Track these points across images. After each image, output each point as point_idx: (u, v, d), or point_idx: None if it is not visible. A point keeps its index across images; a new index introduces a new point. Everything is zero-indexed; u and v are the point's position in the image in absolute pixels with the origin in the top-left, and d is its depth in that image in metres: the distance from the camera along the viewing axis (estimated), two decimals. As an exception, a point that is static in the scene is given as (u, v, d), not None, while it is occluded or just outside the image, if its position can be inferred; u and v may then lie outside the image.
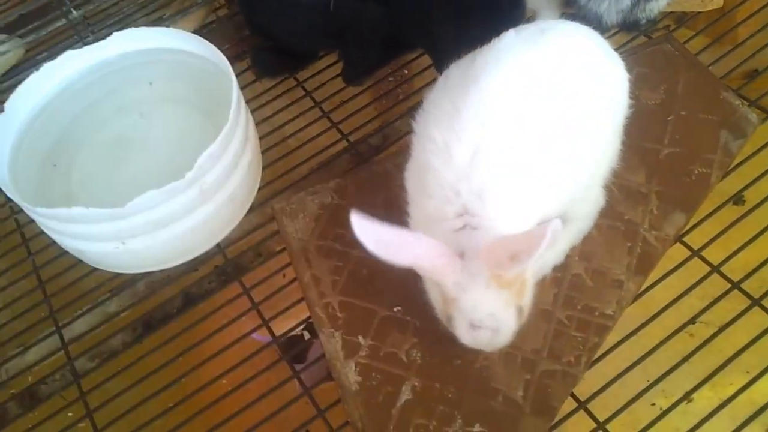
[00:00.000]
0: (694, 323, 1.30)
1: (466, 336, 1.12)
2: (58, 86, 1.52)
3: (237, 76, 1.40)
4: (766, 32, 1.67)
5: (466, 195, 1.08)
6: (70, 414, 1.39)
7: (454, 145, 1.08)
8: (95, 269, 1.50)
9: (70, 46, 1.52)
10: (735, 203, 1.44)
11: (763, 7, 1.73)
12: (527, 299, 1.12)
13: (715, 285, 1.34)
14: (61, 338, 1.48)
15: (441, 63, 1.56)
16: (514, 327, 1.10)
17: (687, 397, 1.24)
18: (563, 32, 1.15)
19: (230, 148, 1.36)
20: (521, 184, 1.09)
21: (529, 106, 1.09)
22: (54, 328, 1.49)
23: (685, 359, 1.27)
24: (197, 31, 1.54)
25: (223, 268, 1.56)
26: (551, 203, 1.15)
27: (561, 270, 1.34)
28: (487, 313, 1.08)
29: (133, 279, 1.53)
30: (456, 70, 1.17)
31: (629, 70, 1.23)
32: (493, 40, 1.17)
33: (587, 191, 1.26)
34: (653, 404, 1.58)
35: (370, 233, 1.02)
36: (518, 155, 1.09)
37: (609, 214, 1.37)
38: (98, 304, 1.53)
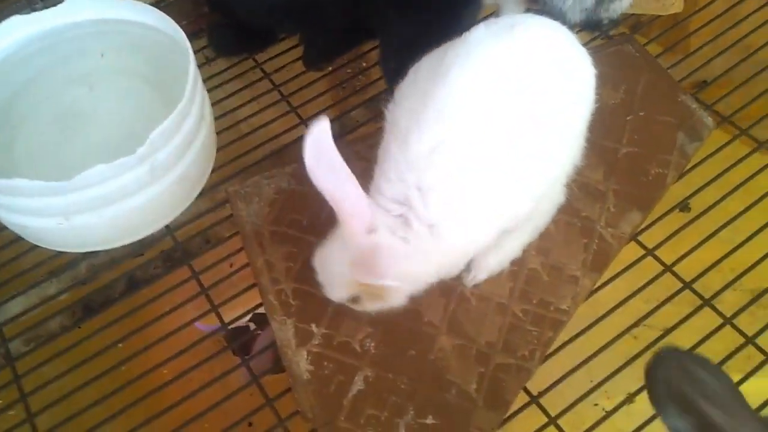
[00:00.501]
0: (638, 326, 1.31)
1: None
2: (1, 53, 1.43)
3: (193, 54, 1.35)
4: (716, 44, 1.70)
5: (412, 188, 1.06)
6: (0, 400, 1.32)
7: (413, 137, 1.06)
8: (35, 247, 1.42)
9: (18, 12, 1.44)
10: (681, 210, 1.46)
11: (715, 19, 1.76)
12: (372, 303, 1.13)
13: (664, 287, 1.35)
14: (-5, 319, 1.40)
15: (388, 51, 1.55)
16: (342, 299, 1.12)
17: (630, 399, 1.25)
18: (533, 27, 1.14)
19: (184, 125, 1.31)
20: (479, 187, 1.07)
21: (497, 102, 1.07)
22: (-12, 308, 1.41)
23: (628, 363, 1.27)
24: (154, 5, 1.47)
25: (169, 253, 1.50)
26: (520, 202, 1.13)
27: (517, 264, 1.34)
28: (336, 274, 1.10)
29: (74, 260, 1.46)
30: (426, 62, 1.15)
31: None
32: (451, 33, 1.16)
33: (551, 188, 1.25)
34: (596, 404, 1.59)
35: (322, 146, 1.00)
36: (483, 153, 1.06)
37: (567, 211, 1.37)
38: (36, 285, 1.45)
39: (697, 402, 0.81)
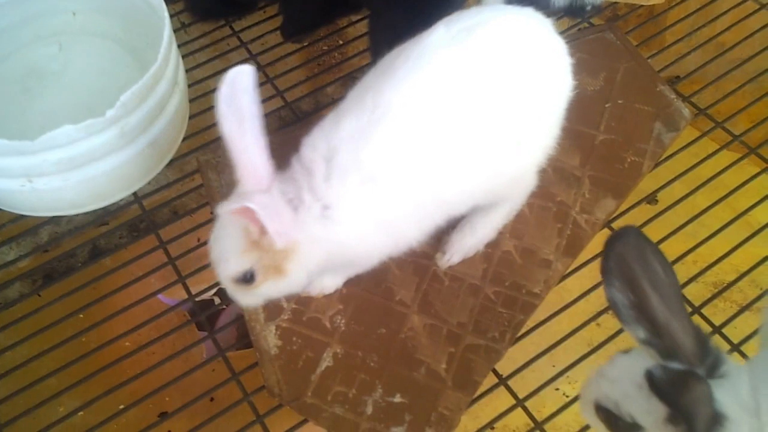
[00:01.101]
0: (603, 314, 1.31)
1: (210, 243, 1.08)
2: (-34, 5, 1.38)
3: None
4: (690, 39, 1.72)
5: (319, 158, 1.04)
6: (-49, 368, 1.27)
7: (346, 119, 1.05)
8: (-5, 210, 1.37)
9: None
10: (648, 203, 1.47)
11: (690, 15, 1.78)
12: (270, 285, 1.07)
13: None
14: (-49, 282, 1.35)
15: (375, 28, 1.52)
16: (229, 276, 1.05)
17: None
18: (495, 28, 1.11)
19: (157, 89, 1.27)
20: (392, 195, 1.06)
21: (441, 109, 1.05)
22: (-58, 271, 1.36)
23: (592, 351, 1.28)
24: (128, -33, 1.43)
25: (135, 222, 1.46)
26: (438, 215, 1.14)
27: (492, 246, 1.33)
28: (222, 240, 1.05)
29: (36, 225, 1.42)
30: (388, 58, 1.12)
31: (571, 55, 1.22)
32: (440, 14, 1.14)
33: (522, 175, 1.24)
34: (557, 389, 1.60)
35: (239, 91, 0.98)
36: (411, 161, 1.05)
37: (542, 195, 1.37)
38: (-6, 249, 1.41)
39: (643, 285, 0.85)
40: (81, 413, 1.23)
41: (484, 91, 1.07)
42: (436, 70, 1.05)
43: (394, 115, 1.03)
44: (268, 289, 1.07)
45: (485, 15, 1.12)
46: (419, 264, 1.31)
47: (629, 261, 0.86)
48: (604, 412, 0.94)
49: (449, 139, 1.06)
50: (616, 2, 1.77)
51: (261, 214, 0.94)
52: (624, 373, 0.90)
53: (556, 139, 1.22)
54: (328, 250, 1.07)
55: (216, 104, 0.98)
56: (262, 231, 0.99)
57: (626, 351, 0.98)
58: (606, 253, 0.87)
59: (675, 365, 0.87)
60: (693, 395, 0.82)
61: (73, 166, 1.23)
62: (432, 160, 1.06)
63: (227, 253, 1.04)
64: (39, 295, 1.37)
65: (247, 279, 1.04)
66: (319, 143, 1.06)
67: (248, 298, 1.10)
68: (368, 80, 1.10)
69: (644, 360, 0.90)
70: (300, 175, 1.05)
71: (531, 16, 1.17)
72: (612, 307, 0.88)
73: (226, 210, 0.99)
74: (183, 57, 1.50)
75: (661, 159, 1.47)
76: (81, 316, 1.32)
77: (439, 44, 1.07)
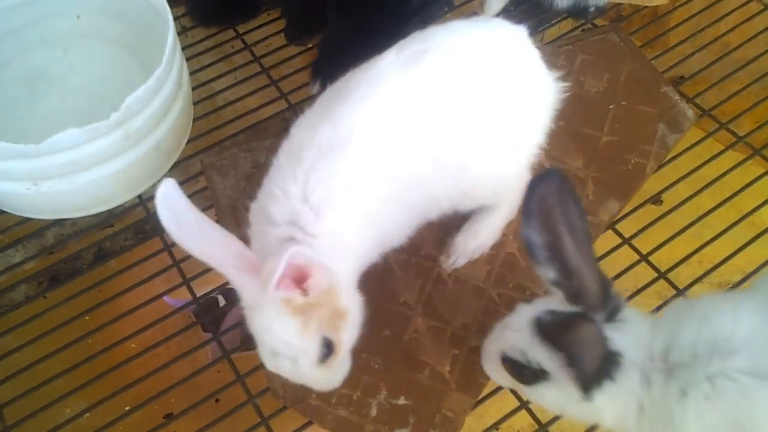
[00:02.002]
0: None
1: (266, 359, 1.03)
2: (-30, 8, 1.39)
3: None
4: (695, 40, 1.71)
5: (297, 202, 1.02)
6: (-41, 370, 1.28)
7: (307, 152, 1.04)
8: (1, 212, 1.38)
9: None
10: (653, 203, 1.46)
11: (695, 15, 1.78)
12: (345, 334, 1.04)
13: (634, 277, 1.36)
14: (-44, 285, 1.35)
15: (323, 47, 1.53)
16: (315, 360, 1.00)
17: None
18: (447, 51, 1.10)
19: (161, 92, 1.27)
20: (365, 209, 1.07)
21: (393, 133, 1.06)
22: (-51, 273, 1.36)
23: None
24: (132, -30, 1.44)
25: (140, 225, 1.47)
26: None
27: (495, 247, 1.33)
28: (279, 340, 0.99)
29: (42, 228, 1.42)
30: (336, 86, 1.13)
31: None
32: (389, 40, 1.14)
33: (506, 179, 1.24)
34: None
35: (174, 210, 0.94)
36: (375, 177, 1.06)
37: (546, 196, 1.36)
38: (1, 252, 1.41)
39: (560, 227, 0.90)
40: (87, 415, 1.23)
41: (437, 111, 1.08)
42: (387, 95, 1.05)
43: (355, 142, 1.04)
44: (348, 341, 1.05)
45: (438, 38, 1.12)
46: (423, 266, 1.32)
47: (550, 203, 0.90)
48: (510, 363, 0.98)
49: (410, 157, 1.07)
50: (620, 3, 1.77)
51: (313, 257, 0.92)
52: (526, 322, 0.94)
53: (535, 144, 1.22)
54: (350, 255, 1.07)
55: (162, 222, 0.94)
56: (304, 290, 0.96)
57: (529, 301, 1.03)
58: (528, 194, 0.91)
59: (572, 309, 0.92)
60: (578, 336, 0.87)
61: (78, 169, 1.24)
62: (397, 178, 1.07)
63: (293, 344, 0.98)
64: (45, 297, 1.38)
65: (328, 352, 1.01)
66: (289, 188, 1.03)
67: (339, 369, 1.06)
68: (316, 111, 1.10)
69: (543, 306, 0.95)
70: (285, 229, 1.03)
71: (497, 30, 1.17)
72: (527, 246, 0.92)
73: (275, 291, 0.92)
74: (187, 59, 1.50)
75: (665, 160, 1.47)
76: (87, 318, 1.33)
77: (389, 69, 1.08)
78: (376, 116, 1.05)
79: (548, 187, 0.90)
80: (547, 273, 0.92)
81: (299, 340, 0.98)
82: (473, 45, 1.13)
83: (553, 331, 0.89)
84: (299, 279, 0.95)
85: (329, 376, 1.05)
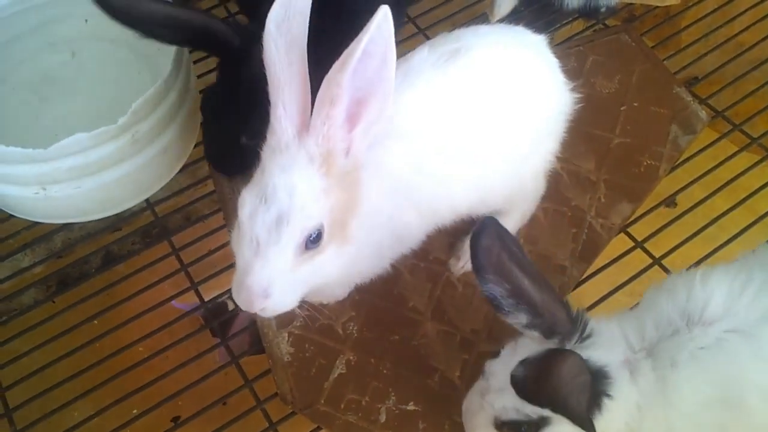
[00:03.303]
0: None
1: (243, 211, 0.91)
2: (-20, 13, 1.39)
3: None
4: (708, 40, 1.70)
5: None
6: (-30, 374, 1.28)
7: None
8: (10, 217, 1.38)
9: (-1, -29, 1.40)
10: (667, 205, 1.45)
11: (708, 15, 1.76)
12: (356, 232, 0.96)
13: (648, 282, 1.33)
14: (-33, 289, 1.36)
15: None
16: (303, 234, 0.90)
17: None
18: (477, 52, 1.09)
19: (169, 96, 1.27)
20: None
21: (425, 129, 1.05)
22: (-40, 278, 1.37)
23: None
24: (140, -28, 1.43)
25: (148, 229, 1.47)
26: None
27: (505, 252, 1.32)
28: (287, 191, 0.89)
29: (50, 232, 1.42)
30: None
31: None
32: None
33: (523, 184, 1.23)
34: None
35: (295, 13, 0.88)
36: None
37: (556, 199, 1.35)
38: (10, 256, 1.41)
39: (514, 271, 0.89)
40: (96, 419, 1.23)
41: (465, 111, 1.07)
42: (421, 90, 1.04)
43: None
44: (328, 260, 0.95)
45: (469, 38, 1.11)
46: (432, 270, 1.31)
47: (496, 251, 0.89)
48: (506, 425, 0.96)
49: (435, 156, 1.05)
50: (632, 3, 1.75)
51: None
52: (507, 378, 0.90)
53: (551, 152, 1.22)
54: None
55: (265, 25, 0.87)
56: (329, 153, 0.89)
57: (494, 356, 1.01)
58: (473, 251, 0.89)
59: (543, 346, 0.92)
60: (559, 378, 0.85)
61: (86, 173, 1.24)
62: (419, 173, 1.05)
63: (300, 203, 0.89)
64: (53, 302, 1.38)
65: (314, 239, 0.91)
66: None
67: (305, 278, 0.94)
68: None
69: (515, 356, 0.93)
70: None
71: (520, 36, 1.17)
72: (491, 301, 0.91)
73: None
74: (194, 62, 1.50)
75: (679, 162, 1.45)
76: (95, 322, 1.33)
77: (423, 65, 1.06)
78: (409, 109, 1.03)
79: (488, 237, 0.89)
80: (519, 319, 0.92)
81: (311, 202, 0.89)
82: (498, 51, 1.12)
83: (532, 386, 0.87)
84: (353, 114, 0.89)
85: (292, 278, 0.92)
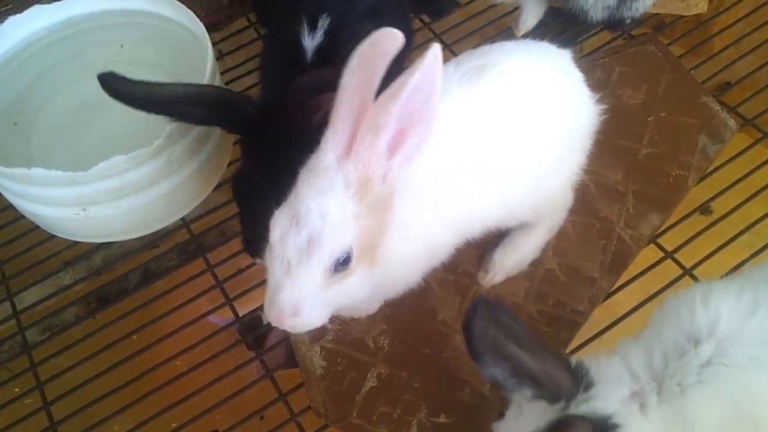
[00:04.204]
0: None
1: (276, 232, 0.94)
2: (23, 41, 1.44)
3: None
4: (740, 45, 1.68)
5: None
6: (16, 389, 1.32)
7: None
8: (52, 237, 1.43)
9: (40, 1, 1.45)
10: (702, 213, 1.43)
11: (740, 20, 1.74)
12: (386, 251, 0.98)
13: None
14: (13, 306, 1.41)
15: None
16: (333, 257, 0.92)
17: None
18: (504, 70, 1.10)
19: (202, 118, 1.30)
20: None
21: (453, 145, 1.06)
22: (6, 295, 1.42)
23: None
24: (172, -3, 1.47)
25: (184, 246, 1.50)
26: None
27: (534, 264, 1.33)
28: (318, 211, 0.91)
29: (89, 251, 1.47)
30: None
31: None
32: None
33: (550, 198, 1.24)
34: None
35: (379, 54, 0.91)
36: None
37: (585, 211, 1.36)
38: (52, 274, 1.46)
39: (511, 349, 0.86)
40: (136, 432, 1.27)
41: (492, 127, 1.08)
42: (447, 107, 1.04)
43: None
44: (356, 281, 0.97)
45: (495, 55, 1.12)
46: (461, 283, 1.32)
47: (491, 333, 0.86)
48: None
49: (464, 171, 1.06)
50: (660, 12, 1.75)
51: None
52: None
53: (578, 165, 1.22)
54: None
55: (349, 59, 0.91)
56: (367, 179, 0.92)
57: (500, 417, 1.01)
58: (468, 337, 0.87)
59: (551, 410, 0.90)
60: None
61: (124, 194, 1.28)
62: (446, 188, 1.06)
63: (332, 221, 0.91)
64: (94, 318, 1.42)
65: (343, 262, 0.93)
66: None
67: (331, 300, 0.96)
68: None
69: (521, 426, 0.93)
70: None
71: (545, 52, 1.18)
72: (495, 385, 0.89)
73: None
74: (226, 84, 1.54)
75: (712, 168, 1.44)
76: (134, 337, 1.37)
77: (449, 83, 1.08)
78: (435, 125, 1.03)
79: (480, 321, 0.86)
80: (524, 394, 0.90)
81: (342, 226, 0.92)
82: (522, 67, 1.13)
83: None
84: (395, 143, 0.92)
85: (321, 298, 0.94)
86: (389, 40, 0.90)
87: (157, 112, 1.16)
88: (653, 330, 0.98)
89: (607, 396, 0.90)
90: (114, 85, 1.14)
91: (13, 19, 1.42)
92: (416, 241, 1.07)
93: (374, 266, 0.99)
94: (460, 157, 1.07)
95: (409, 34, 1.56)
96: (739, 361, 0.89)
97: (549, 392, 0.89)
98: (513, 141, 1.10)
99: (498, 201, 1.13)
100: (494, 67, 1.09)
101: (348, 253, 0.93)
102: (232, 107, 1.18)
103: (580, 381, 0.91)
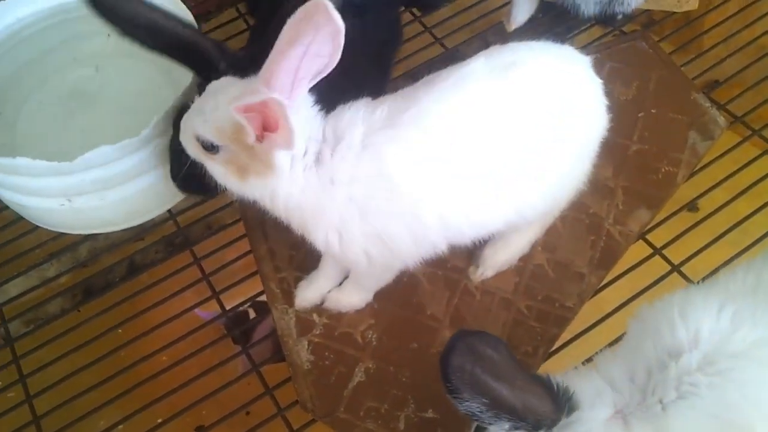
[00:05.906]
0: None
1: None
2: (8, 29, 1.43)
3: (202, 36, 1.33)
4: (729, 43, 1.69)
5: (351, 134, 1.02)
6: (-1, 382, 1.31)
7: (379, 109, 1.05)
8: (36, 228, 1.42)
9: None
10: (689, 210, 1.44)
11: (729, 18, 1.75)
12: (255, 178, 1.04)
13: (669, 288, 1.33)
14: (-5, 297, 1.39)
15: None
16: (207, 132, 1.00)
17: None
18: (532, 67, 1.09)
19: (190, 109, 1.29)
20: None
21: (477, 132, 1.05)
22: (-12, 287, 1.40)
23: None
24: (161, -12, 1.46)
25: (171, 238, 1.49)
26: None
27: (524, 259, 1.32)
28: (214, 101, 1.00)
29: (75, 242, 1.45)
30: (423, 80, 1.12)
31: (602, 64, 1.20)
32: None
33: (557, 203, 1.23)
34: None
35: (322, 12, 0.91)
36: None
37: (574, 207, 1.35)
38: (36, 266, 1.44)
39: (489, 383, 0.84)
40: (121, 426, 1.25)
41: (514, 123, 1.07)
42: (472, 96, 1.04)
43: (430, 122, 1.02)
44: (216, 170, 1.05)
45: (523, 53, 1.11)
46: (450, 278, 1.31)
47: (469, 369, 0.84)
48: None
49: (477, 163, 1.05)
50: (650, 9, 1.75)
51: (284, 108, 0.91)
52: None
53: (585, 173, 1.21)
54: (296, 205, 1.09)
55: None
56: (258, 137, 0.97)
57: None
58: (444, 374, 0.85)
59: None
60: None
61: (110, 185, 1.27)
62: (454, 178, 1.05)
63: (209, 113, 1.00)
64: (79, 311, 1.41)
65: (209, 147, 1.02)
66: (356, 118, 1.04)
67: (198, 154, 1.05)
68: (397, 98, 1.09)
69: None
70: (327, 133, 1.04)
71: (568, 56, 1.17)
72: (473, 418, 0.87)
73: (240, 101, 0.93)
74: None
75: (700, 165, 1.44)
76: (119, 331, 1.36)
77: (479, 73, 1.06)
78: (459, 111, 1.04)
79: (458, 356, 0.85)
80: (502, 426, 0.87)
81: (216, 118, 0.99)
82: (549, 68, 1.12)
83: None
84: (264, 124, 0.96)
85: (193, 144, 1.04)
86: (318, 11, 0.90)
87: (116, 25, 1.15)
88: (632, 345, 0.96)
89: (590, 419, 0.88)
90: None
91: (-2, 7, 1.40)
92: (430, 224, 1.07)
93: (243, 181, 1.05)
94: (475, 152, 1.05)
95: (398, 28, 1.56)
96: (720, 375, 0.87)
97: (528, 423, 0.87)
98: (535, 143, 1.09)
99: (511, 203, 1.12)
100: (523, 64, 1.08)
101: (213, 144, 1.01)
102: (201, 53, 1.17)
103: (563, 406, 0.88)
